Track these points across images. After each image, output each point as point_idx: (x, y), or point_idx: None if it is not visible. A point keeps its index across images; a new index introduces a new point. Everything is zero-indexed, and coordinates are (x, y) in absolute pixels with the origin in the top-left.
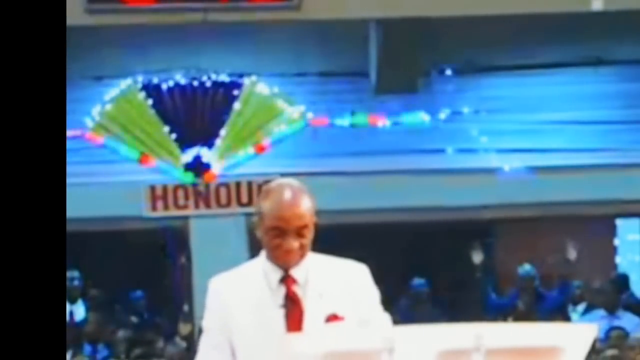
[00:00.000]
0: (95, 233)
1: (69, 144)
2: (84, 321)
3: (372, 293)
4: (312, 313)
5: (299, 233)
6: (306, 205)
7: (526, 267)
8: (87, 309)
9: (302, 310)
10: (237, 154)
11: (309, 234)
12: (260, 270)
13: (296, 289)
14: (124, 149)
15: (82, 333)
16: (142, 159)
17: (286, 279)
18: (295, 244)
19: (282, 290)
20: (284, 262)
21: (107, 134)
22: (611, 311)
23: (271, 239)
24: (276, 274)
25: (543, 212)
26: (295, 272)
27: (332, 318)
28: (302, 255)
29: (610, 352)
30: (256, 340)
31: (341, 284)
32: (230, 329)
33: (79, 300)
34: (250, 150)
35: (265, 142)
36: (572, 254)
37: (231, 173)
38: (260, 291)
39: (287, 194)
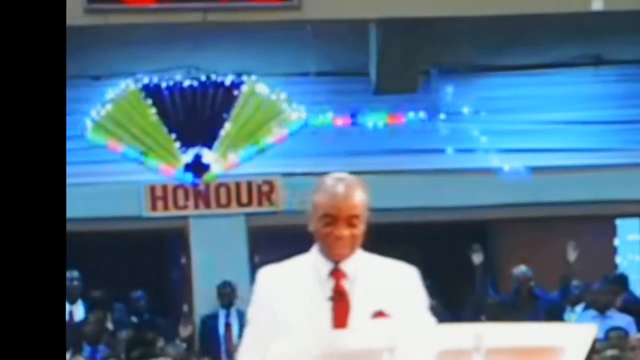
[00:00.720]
0: (95, 233)
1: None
2: (84, 321)
3: (420, 295)
4: (359, 308)
5: (350, 222)
6: (359, 197)
7: (522, 268)
8: (87, 309)
9: (349, 304)
10: (237, 154)
11: (360, 226)
12: (310, 263)
13: (345, 282)
14: (124, 150)
15: (81, 333)
16: (143, 160)
17: (335, 272)
18: (345, 232)
19: (331, 283)
20: (334, 249)
21: (107, 134)
22: (602, 311)
23: (322, 227)
24: (326, 267)
25: (543, 212)
26: (345, 266)
27: (379, 315)
28: (352, 246)
29: (610, 352)
30: (301, 333)
31: (390, 282)
32: (275, 321)
33: (78, 301)
34: (251, 150)
35: (266, 142)
36: (571, 256)
37: (231, 173)
38: (309, 283)
39: (341, 185)
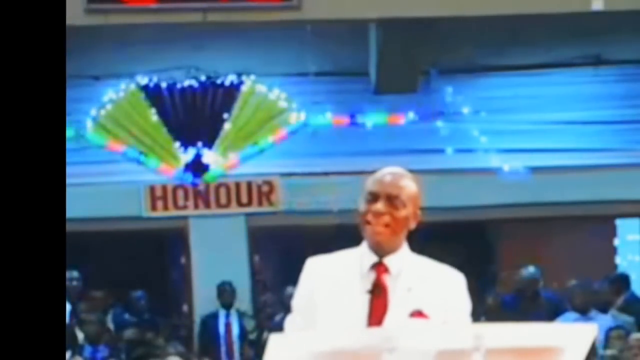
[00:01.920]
0: (95, 233)
1: (68, 145)
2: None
3: (464, 302)
4: (398, 305)
5: (391, 202)
6: (403, 181)
7: (530, 269)
8: (87, 310)
9: (387, 299)
10: (237, 154)
11: (402, 209)
12: (357, 255)
13: (386, 278)
14: (124, 150)
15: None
16: (143, 160)
17: (378, 266)
18: (383, 208)
19: (372, 276)
20: (373, 226)
21: (107, 134)
22: (583, 312)
23: (364, 206)
24: (370, 259)
25: (543, 213)
26: (388, 261)
27: (417, 314)
28: (392, 228)
29: (610, 352)
30: (337, 323)
31: (434, 285)
32: (315, 311)
33: (78, 301)
34: (251, 150)
35: (265, 142)
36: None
37: (231, 173)
38: (351, 275)
39: (388, 170)
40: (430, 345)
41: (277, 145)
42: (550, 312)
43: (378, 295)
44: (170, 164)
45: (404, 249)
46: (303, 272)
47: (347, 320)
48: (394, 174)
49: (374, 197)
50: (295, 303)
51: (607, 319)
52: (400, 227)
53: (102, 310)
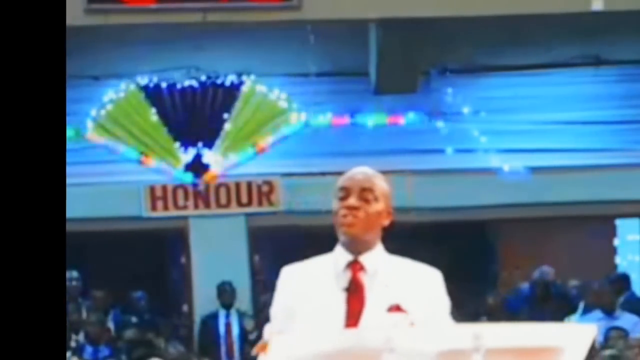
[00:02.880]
0: (95, 233)
1: (68, 145)
2: (84, 322)
3: (441, 299)
4: (375, 301)
5: (363, 196)
6: (376, 177)
7: (544, 269)
8: (88, 310)
9: (364, 297)
10: (237, 154)
11: (375, 204)
12: (331, 258)
13: (362, 275)
14: (124, 150)
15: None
16: (143, 160)
17: (353, 264)
18: (356, 202)
19: (348, 274)
20: (345, 220)
21: (107, 134)
22: (609, 312)
23: (337, 203)
24: (345, 258)
25: (543, 213)
26: (363, 259)
27: (395, 309)
28: (365, 223)
29: (610, 352)
30: (315, 324)
31: (411, 281)
32: (294, 316)
33: (79, 301)
34: (250, 150)
35: (266, 142)
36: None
37: (231, 173)
38: (326, 277)
39: (359, 168)
40: (430, 346)
41: (277, 146)
42: (563, 310)
43: (354, 293)
44: (170, 164)
45: (379, 247)
46: (278, 281)
47: (324, 320)
48: (365, 172)
49: (346, 193)
50: (272, 311)
51: (633, 319)
52: (374, 221)
53: (102, 310)
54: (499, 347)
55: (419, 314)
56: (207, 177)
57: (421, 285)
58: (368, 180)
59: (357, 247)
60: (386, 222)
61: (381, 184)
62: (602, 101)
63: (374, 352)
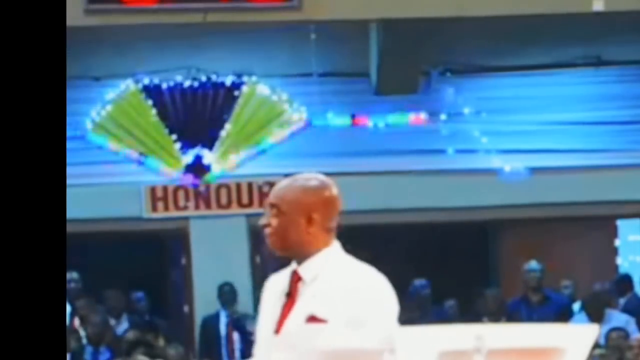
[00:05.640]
0: (95, 234)
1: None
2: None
3: (365, 307)
4: (298, 311)
5: (271, 211)
6: (280, 189)
7: (532, 264)
8: (87, 311)
9: (292, 306)
10: (238, 154)
11: (281, 217)
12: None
13: (300, 285)
14: (124, 150)
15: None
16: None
17: (293, 274)
18: (265, 220)
19: (288, 284)
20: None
21: (107, 134)
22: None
23: None
24: (292, 267)
25: (544, 213)
26: (301, 268)
27: (311, 319)
28: (275, 237)
29: (609, 352)
30: (259, 330)
31: (337, 290)
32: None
33: (78, 302)
34: (251, 150)
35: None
36: None
37: (232, 174)
38: (281, 284)
39: (286, 179)
40: (431, 346)
41: (277, 146)
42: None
43: (287, 302)
44: (170, 164)
45: (323, 254)
46: None
47: (262, 326)
48: (279, 185)
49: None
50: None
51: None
52: (283, 234)
53: (102, 311)
54: (500, 347)
55: (339, 323)
56: (207, 177)
57: (345, 293)
58: (274, 195)
59: (295, 256)
60: (310, 228)
61: (290, 194)
62: (603, 102)
63: (375, 352)
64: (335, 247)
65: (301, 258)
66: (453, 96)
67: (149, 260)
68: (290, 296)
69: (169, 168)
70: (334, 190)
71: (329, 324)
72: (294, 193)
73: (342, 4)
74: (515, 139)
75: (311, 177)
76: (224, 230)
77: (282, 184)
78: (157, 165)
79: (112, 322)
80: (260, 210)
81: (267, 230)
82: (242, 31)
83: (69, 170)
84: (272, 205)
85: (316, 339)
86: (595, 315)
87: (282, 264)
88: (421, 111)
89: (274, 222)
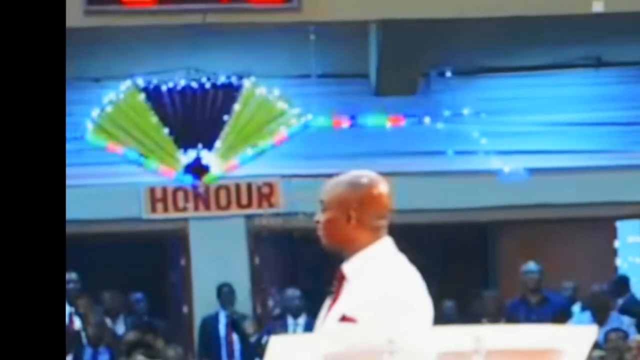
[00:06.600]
0: (95, 235)
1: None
2: (84, 324)
3: (388, 309)
4: (336, 310)
5: (321, 208)
6: (332, 185)
7: (530, 265)
8: (87, 312)
9: (334, 305)
10: (237, 155)
11: (327, 213)
12: None
13: (344, 283)
14: (124, 151)
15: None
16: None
17: (339, 272)
18: (317, 216)
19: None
20: None
21: (106, 135)
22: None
23: None
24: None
25: (543, 214)
26: (344, 267)
27: (343, 319)
28: (325, 234)
29: (608, 353)
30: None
31: (368, 289)
32: None
33: (77, 303)
34: (250, 151)
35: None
36: None
37: (231, 175)
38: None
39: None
40: (431, 347)
41: (277, 147)
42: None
43: (332, 299)
44: (170, 165)
45: (365, 252)
46: None
47: (317, 325)
48: (328, 183)
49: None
50: None
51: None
52: (331, 230)
53: (101, 312)
54: (499, 348)
55: (369, 323)
56: (207, 178)
57: (376, 296)
58: (322, 191)
59: (343, 253)
60: (350, 226)
61: (334, 191)
62: (603, 102)
63: (375, 353)
64: (380, 246)
65: (347, 256)
66: (452, 97)
67: (148, 261)
68: (335, 294)
69: (169, 169)
70: (378, 188)
71: (358, 324)
72: (336, 190)
73: (342, 5)
74: (514, 140)
75: (360, 174)
76: (223, 231)
77: (332, 180)
78: (157, 166)
79: (109, 323)
80: (259, 211)
81: (318, 226)
82: (241, 32)
83: (69, 171)
84: (321, 202)
85: (346, 338)
86: (600, 316)
87: (282, 265)
88: (421, 112)
89: (322, 218)
